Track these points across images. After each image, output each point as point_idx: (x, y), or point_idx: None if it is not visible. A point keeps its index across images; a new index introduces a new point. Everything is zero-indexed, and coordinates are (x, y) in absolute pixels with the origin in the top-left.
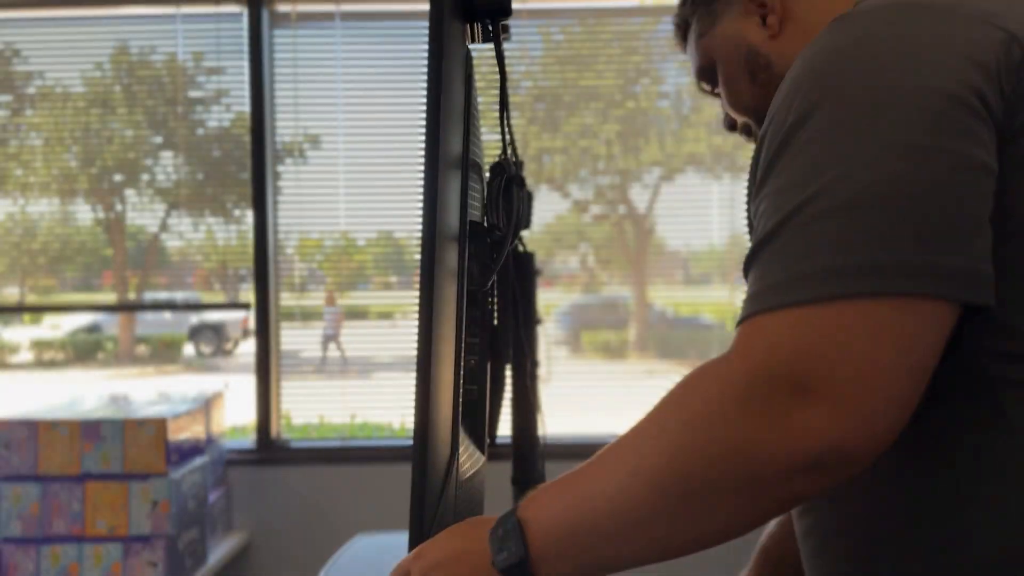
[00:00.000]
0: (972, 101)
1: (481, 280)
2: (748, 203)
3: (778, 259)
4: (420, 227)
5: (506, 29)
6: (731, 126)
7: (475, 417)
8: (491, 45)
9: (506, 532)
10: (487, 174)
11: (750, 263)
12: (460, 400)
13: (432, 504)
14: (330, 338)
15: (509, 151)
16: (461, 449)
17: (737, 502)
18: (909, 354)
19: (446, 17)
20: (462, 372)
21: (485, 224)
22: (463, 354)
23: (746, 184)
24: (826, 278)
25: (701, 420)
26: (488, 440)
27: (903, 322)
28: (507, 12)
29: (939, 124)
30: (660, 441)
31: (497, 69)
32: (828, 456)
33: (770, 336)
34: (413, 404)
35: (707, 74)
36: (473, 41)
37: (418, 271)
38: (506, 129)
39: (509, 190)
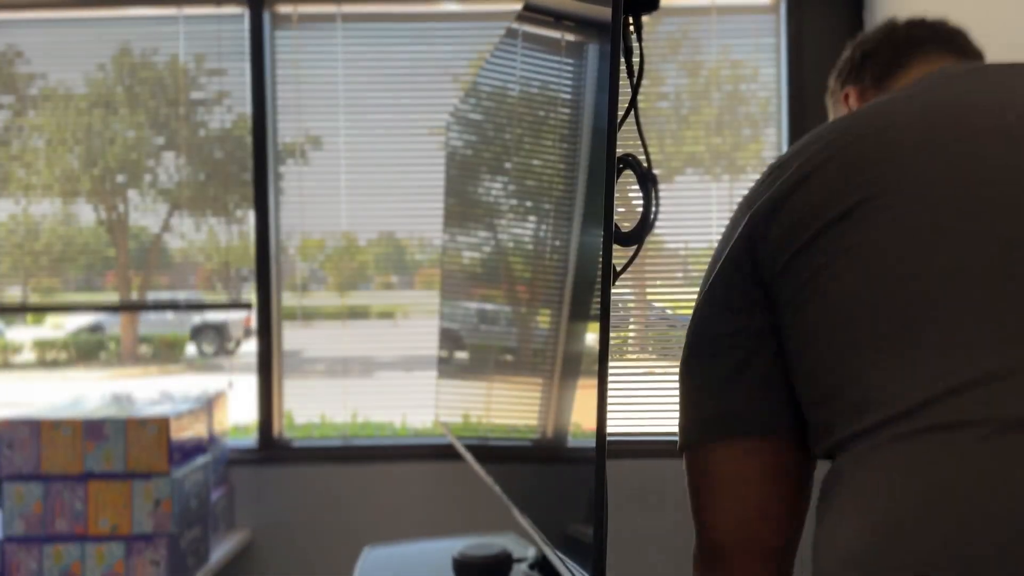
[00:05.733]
0: (739, 257)
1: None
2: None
3: None
4: (426, 227)
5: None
6: None
7: None
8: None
9: None
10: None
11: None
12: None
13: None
14: None
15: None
16: None
17: None
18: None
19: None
20: (607, 378)
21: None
22: (608, 356)
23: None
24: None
25: None
26: None
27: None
28: (654, 6)
29: (707, 291)
30: None
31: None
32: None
33: None
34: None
35: None
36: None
37: (419, 271)
38: (639, 127)
39: (644, 186)
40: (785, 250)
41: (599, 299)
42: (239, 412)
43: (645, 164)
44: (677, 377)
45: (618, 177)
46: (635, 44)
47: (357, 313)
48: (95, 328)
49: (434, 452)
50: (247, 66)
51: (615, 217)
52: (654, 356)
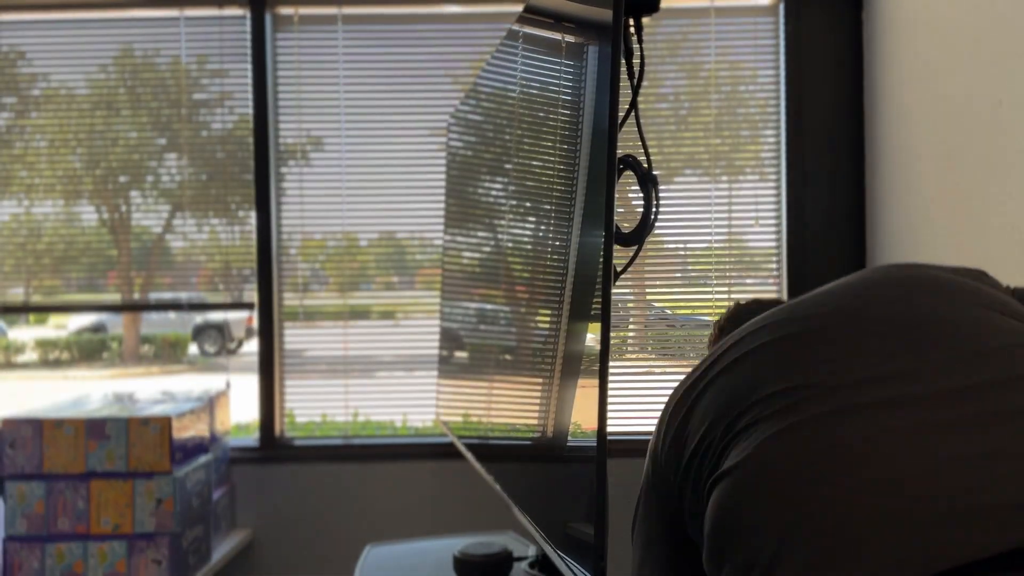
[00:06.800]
0: (649, 471)
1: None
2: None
3: None
4: (426, 227)
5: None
6: None
7: None
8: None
9: None
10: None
11: None
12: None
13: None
14: None
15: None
16: None
17: None
18: None
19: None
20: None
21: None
22: (608, 355)
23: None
24: None
25: None
26: None
27: None
28: (655, 8)
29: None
30: None
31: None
32: None
33: None
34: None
35: None
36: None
37: (419, 271)
38: (639, 127)
39: (644, 187)
40: None
41: (599, 299)
42: (241, 411)
43: (645, 165)
44: (676, 378)
45: (618, 178)
46: (635, 45)
47: (358, 313)
48: (97, 328)
49: (434, 451)
50: (248, 67)
51: (615, 217)
52: (654, 356)
